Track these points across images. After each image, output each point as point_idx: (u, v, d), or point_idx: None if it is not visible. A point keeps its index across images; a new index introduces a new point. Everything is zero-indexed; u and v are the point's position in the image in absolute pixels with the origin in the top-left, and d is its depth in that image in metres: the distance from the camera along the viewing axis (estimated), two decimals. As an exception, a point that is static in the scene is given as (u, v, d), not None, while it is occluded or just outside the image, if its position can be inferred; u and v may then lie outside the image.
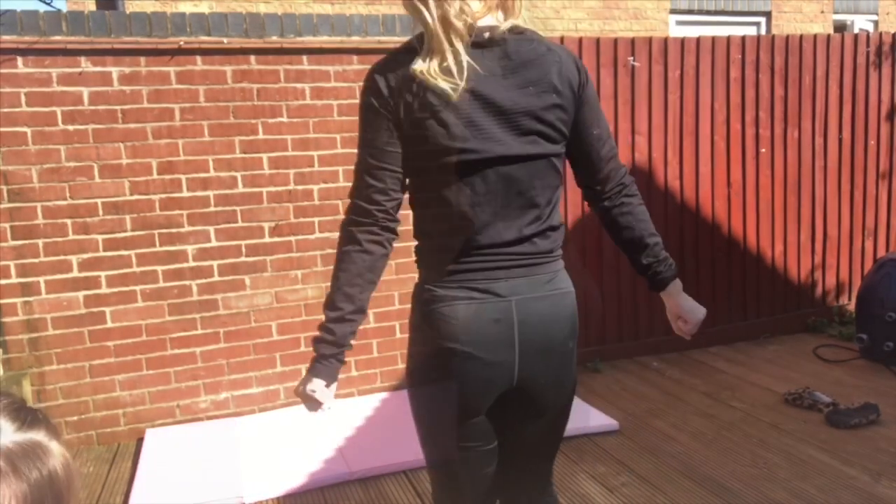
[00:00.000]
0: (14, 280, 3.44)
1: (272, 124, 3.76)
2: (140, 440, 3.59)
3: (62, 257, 3.50)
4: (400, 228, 1.51)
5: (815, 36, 4.95)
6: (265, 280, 3.82)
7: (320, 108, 3.83)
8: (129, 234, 3.58)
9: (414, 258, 1.58)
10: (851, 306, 5.08)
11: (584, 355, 4.50)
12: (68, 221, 3.49)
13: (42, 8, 3.50)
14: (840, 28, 8.33)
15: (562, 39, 4.33)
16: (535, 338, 1.47)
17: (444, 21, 1.32)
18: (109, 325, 3.59)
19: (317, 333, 1.50)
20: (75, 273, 3.52)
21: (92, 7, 4.64)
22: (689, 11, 7.59)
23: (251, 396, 3.85)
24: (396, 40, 3.85)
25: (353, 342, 1.51)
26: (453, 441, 1.53)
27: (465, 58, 1.33)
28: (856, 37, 5.07)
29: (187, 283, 3.69)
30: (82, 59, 3.44)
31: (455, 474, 1.58)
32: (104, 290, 3.57)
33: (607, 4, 7.29)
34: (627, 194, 1.70)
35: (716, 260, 4.82)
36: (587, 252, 4.49)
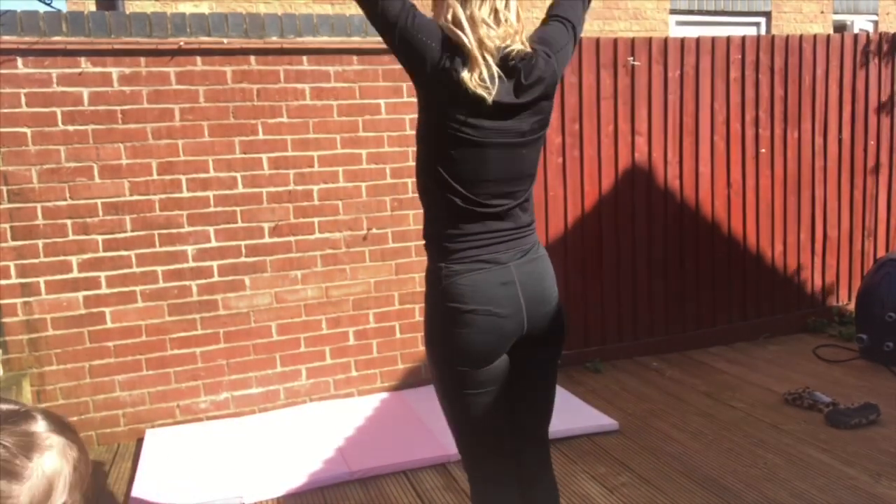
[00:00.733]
0: (14, 280, 3.44)
1: (272, 124, 3.76)
2: (140, 440, 3.59)
3: (62, 258, 3.50)
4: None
5: (815, 36, 4.95)
6: (265, 280, 3.82)
7: (320, 109, 3.83)
8: (129, 234, 3.58)
9: (423, 243, 1.87)
10: (851, 306, 5.08)
11: (584, 355, 4.51)
12: (68, 222, 3.49)
13: (42, 8, 3.50)
14: (840, 28, 8.33)
15: (562, 39, 4.33)
16: (534, 293, 1.82)
17: (480, 43, 1.62)
18: (109, 325, 3.59)
19: None
20: (75, 273, 3.52)
21: (92, 7, 4.65)
22: (689, 11, 7.59)
23: (251, 396, 3.85)
24: (396, 40, 3.85)
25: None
26: (478, 389, 1.82)
27: (496, 70, 1.63)
28: (856, 37, 5.07)
29: (187, 283, 3.69)
30: (82, 59, 3.44)
31: (479, 420, 1.86)
32: (104, 290, 3.57)
33: (607, 4, 7.29)
34: None
35: (716, 260, 4.82)
36: (587, 252, 4.49)
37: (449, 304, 1.77)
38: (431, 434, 3.37)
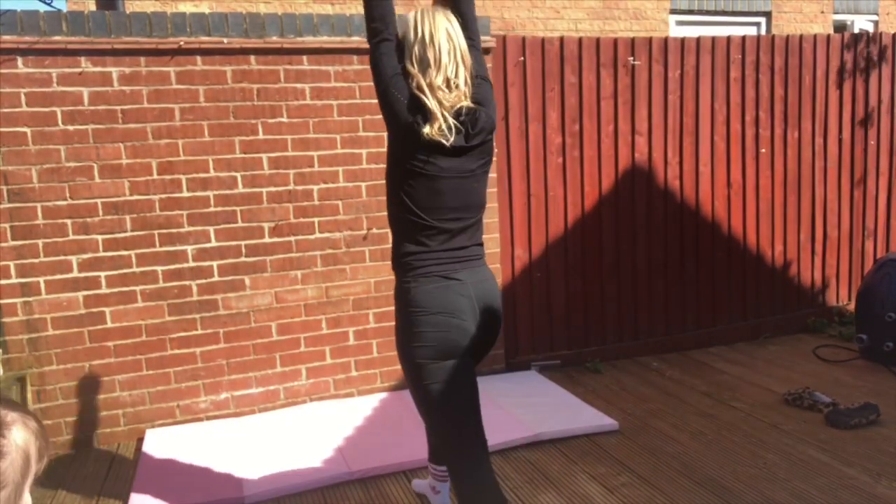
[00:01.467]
0: (14, 280, 3.44)
1: (272, 124, 3.76)
2: (140, 440, 3.59)
3: (62, 257, 3.49)
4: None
5: (815, 36, 4.95)
6: (265, 280, 3.82)
7: (320, 108, 3.83)
8: (129, 234, 3.58)
9: (391, 263, 2.23)
10: (851, 306, 5.08)
11: (584, 355, 4.51)
12: (68, 221, 3.49)
13: (42, 8, 3.50)
14: (840, 28, 8.33)
15: (562, 39, 4.34)
16: (486, 304, 2.20)
17: (440, 103, 2.05)
18: (109, 325, 3.59)
19: None
20: (75, 273, 3.52)
21: (92, 7, 4.64)
22: (689, 11, 7.58)
23: (251, 396, 3.85)
24: (396, 40, 3.85)
25: None
26: (457, 375, 2.15)
27: (452, 122, 2.05)
28: (856, 37, 5.07)
29: (187, 283, 3.69)
30: (82, 59, 3.44)
31: (460, 404, 2.21)
32: (104, 290, 3.57)
33: (607, 4, 7.29)
34: None
35: (716, 260, 4.82)
36: (587, 252, 4.49)
37: (412, 309, 2.12)
38: (431, 434, 3.37)
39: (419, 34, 2.07)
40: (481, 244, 2.27)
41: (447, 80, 2.07)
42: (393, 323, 2.29)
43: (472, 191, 2.17)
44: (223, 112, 3.67)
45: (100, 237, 3.54)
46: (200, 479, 3.12)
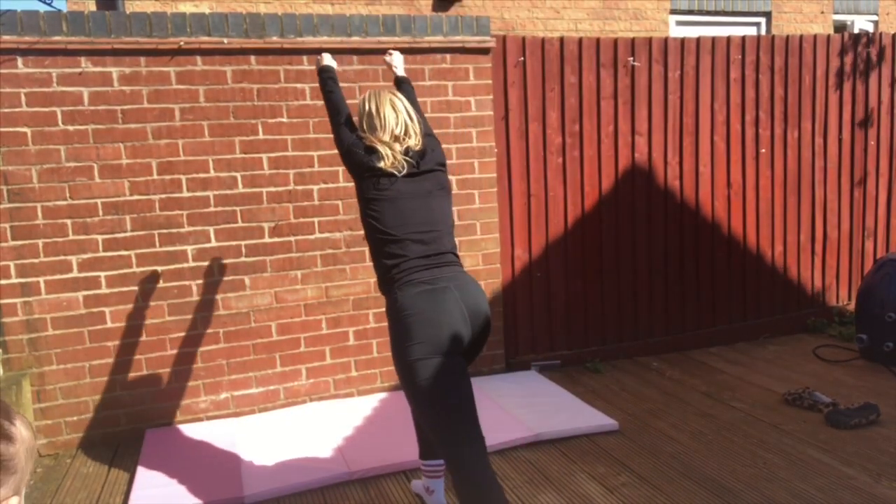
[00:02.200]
0: (14, 280, 3.44)
1: (272, 124, 3.76)
2: (140, 440, 3.59)
3: (62, 257, 3.50)
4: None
5: (815, 36, 4.95)
6: (265, 280, 3.82)
7: (320, 109, 3.81)
8: (129, 234, 3.58)
9: (378, 288, 2.56)
10: (851, 306, 5.08)
11: (584, 355, 4.51)
12: (68, 221, 3.49)
13: (42, 8, 3.50)
14: (840, 28, 8.33)
15: (562, 40, 4.34)
16: (472, 305, 2.39)
17: (391, 147, 2.46)
18: (109, 325, 3.59)
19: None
20: (75, 273, 3.52)
21: (92, 7, 4.65)
22: (689, 11, 7.58)
23: (251, 396, 3.85)
24: (396, 40, 3.85)
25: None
26: (450, 372, 2.32)
27: (401, 157, 2.46)
28: (856, 37, 5.07)
29: (187, 283, 3.69)
30: (82, 59, 3.44)
31: (456, 400, 2.36)
32: (104, 290, 3.57)
33: (607, 4, 7.29)
34: None
35: (716, 260, 4.82)
36: (587, 252, 4.49)
37: (402, 314, 2.34)
38: (431, 434, 3.37)
39: (367, 109, 2.52)
40: (457, 253, 2.54)
41: (394, 136, 2.49)
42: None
43: (433, 207, 2.49)
44: (223, 112, 3.68)
45: (100, 237, 3.54)
46: (200, 479, 3.12)
